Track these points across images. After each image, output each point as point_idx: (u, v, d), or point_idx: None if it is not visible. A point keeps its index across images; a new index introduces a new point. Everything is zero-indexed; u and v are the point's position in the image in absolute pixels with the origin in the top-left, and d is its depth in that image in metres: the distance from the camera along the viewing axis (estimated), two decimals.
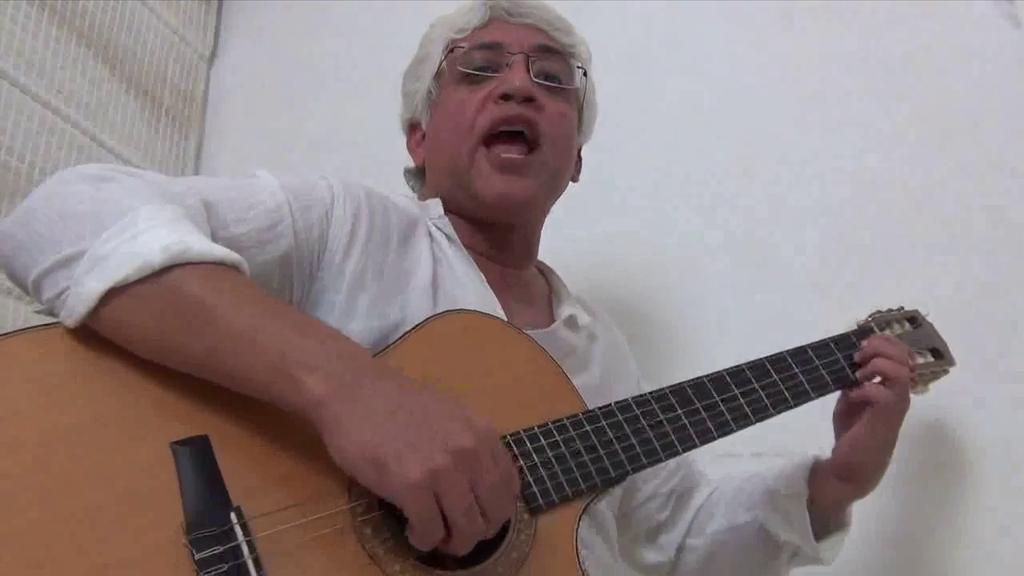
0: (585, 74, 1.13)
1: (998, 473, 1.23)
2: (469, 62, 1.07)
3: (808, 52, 1.50)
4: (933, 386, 1.14)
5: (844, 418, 1.05)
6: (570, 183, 1.15)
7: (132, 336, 0.73)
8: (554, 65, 1.09)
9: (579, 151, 1.19)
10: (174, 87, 1.80)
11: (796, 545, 1.07)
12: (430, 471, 0.67)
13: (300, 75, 1.82)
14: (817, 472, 1.06)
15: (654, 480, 1.17)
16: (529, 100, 1.03)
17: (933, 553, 1.23)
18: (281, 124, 1.80)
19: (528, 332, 0.94)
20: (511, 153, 1.03)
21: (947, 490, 1.24)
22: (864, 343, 1.05)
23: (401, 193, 1.08)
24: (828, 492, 1.05)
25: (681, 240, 1.49)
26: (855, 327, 1.10)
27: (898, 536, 1.26)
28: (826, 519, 1.06)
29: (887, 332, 1.11)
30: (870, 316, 1.13)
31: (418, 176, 1.18)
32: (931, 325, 1.15)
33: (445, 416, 0.71)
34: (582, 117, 1.15)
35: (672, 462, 1.13)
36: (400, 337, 0.87)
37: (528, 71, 1.05)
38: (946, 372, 1.14)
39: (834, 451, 1.05)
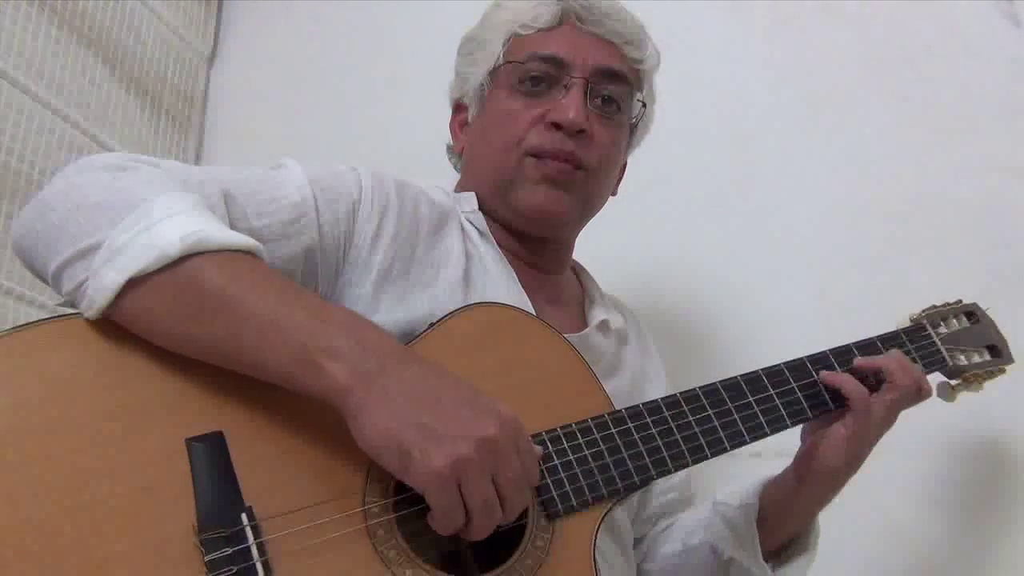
0: (644, 105, 1.09)
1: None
2: (527, 72, 1.03)
3: (808, 52, 1.50)
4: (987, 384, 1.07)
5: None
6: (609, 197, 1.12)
7: (152, 326, 0.72)
8: (615, 89, 1.05)
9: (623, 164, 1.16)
10: (174, 87, 1.80)
11: (745, 567, 1.00)
12: (454, 461, 0.67)
13: (300, 75, 1.82)
14: (771, 485, 1.00)
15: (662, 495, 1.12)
16: (580, 131, 1.01)
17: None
18: (281, 124, 1.80)
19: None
20: (559, 166, 1.01)
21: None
22: (859, 361, 0.96)
23: (435, 185, 1.06)
24: (784, 500, 0.98)
25: (678, 241, 1.49)
26: (908, 323, 1.04)
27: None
28: (786, 542, 1.00)
29: (941, 329, 1.04)
30: (923, 311, 1.06)
31: (460, 156, 1.13)
32: (990, 320, 1.07)
33: (470, 403, 0.70)
34: (634, 135, 1.13)
35: (676, 477, 1.04)
36: (427, 328, 0.86)
37: (585, 99, 1.01)
38: (1003, 371, 1.06)
39: (801, 449, 0.98)
